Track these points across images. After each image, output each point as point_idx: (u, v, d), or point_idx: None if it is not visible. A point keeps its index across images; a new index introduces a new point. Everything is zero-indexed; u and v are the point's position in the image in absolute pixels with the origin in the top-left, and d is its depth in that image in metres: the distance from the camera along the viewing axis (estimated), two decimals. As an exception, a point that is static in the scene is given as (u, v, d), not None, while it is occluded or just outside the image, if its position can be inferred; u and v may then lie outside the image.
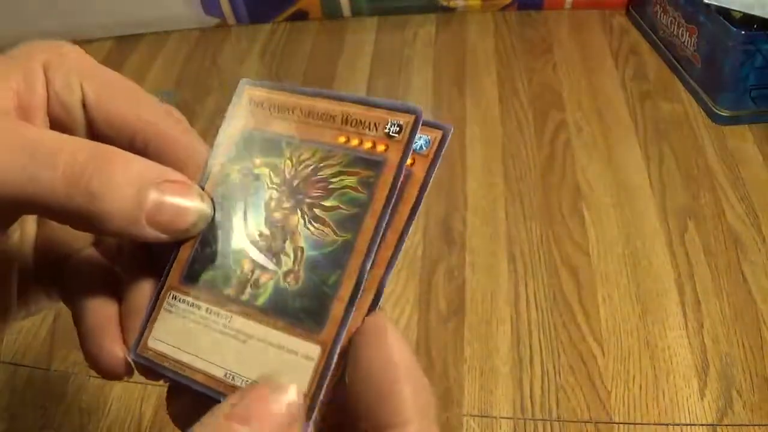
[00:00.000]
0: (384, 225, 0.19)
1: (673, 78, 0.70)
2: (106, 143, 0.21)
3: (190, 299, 0.21)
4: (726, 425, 0.43)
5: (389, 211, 0.19)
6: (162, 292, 0.21)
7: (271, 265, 0.20)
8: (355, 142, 0.20)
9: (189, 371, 0.20)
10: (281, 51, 0.79)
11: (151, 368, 0.20)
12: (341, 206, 0.20)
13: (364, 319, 0.19)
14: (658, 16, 0.72)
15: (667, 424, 0.43)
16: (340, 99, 0.21)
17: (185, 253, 0.21)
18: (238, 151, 0.22)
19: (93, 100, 0.21)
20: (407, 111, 0.20)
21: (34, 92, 0.20)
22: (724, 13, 0.61)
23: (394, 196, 0.20)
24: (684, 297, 0.50)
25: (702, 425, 0.43)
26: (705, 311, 0.49)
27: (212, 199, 0.21)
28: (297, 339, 0.19)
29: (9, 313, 0.23)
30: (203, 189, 0.21)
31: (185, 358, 0.20)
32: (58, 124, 0.21)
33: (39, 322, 0.51)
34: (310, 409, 0.18)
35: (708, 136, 0.63)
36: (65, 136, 0.18)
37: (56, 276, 0.23)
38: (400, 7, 0.82)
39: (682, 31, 0.68)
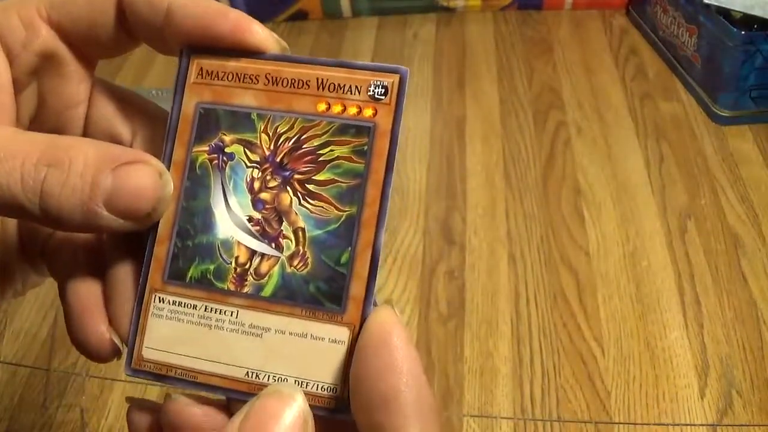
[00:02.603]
0: (389, 194, 0.18)
1: (673, 78, 0.70)
2: (98, 47, 0.21)
3: (181, 299, 0.19)
4: (726, 425, 0.43)
5: (392, 179, 0.18)
6: (145, 296, 0.19)
7: (271, 251, 0.19)
8: (337, 108, 0.19)
9: (202, 377, 0.19)
10: (281, 51, 0.79)
11: (154, 380, 0.19)
12: (338, 179, 0.19)
13: (364, 315, 0.18)
14: (658, 16, 0.72)
15: (667, 425, 0.43)
16: (311, 63, 0.19)
17: (162, 248, 0.19)
18: (199, 130, 0.20)
19: (61, 19, 0.20)
20: (390, 71, 0.19)
21: None
22: (724, 13, 0.61)
23: (394, 164, 0.18)
24: (684, 297, 0.50)
25: (702, 425, 0.43)
26: (705, 311, 0.49)
27: (183, 185, 0.19)
28: (321, 324, 0.18)
29: None
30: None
31: (193, 364, 0.19)
32: (39, 71, 0.20)
33: (39, 322, 0.51)
34: (346, 396, 0.18)
35: (708, 136, 0.63)
36: (20, 134, 0.18)
37: (43, 252, 0.22)
38: (400, 7, 0.82)
39: (682, 31, 0.68)
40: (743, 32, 0.59)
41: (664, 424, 0.43)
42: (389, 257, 0.54)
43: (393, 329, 0.17)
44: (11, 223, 0.23)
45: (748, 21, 0.60)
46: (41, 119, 0.21)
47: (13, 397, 0.47)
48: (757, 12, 0.59)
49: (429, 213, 0.58)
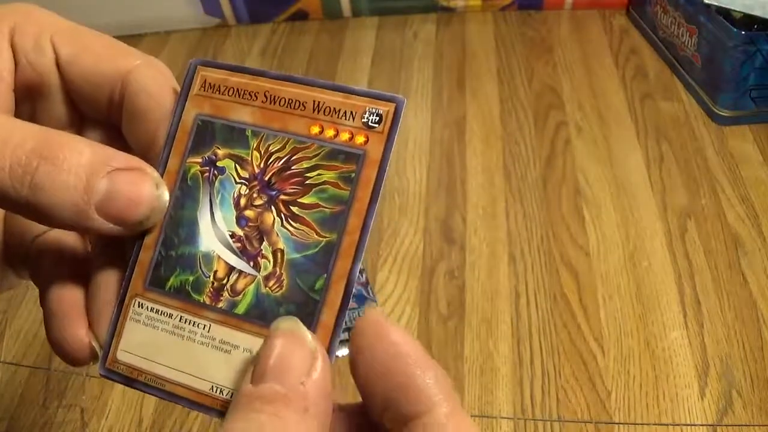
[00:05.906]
0: (371, 225, 0.18)
1: (673, 78, 0.70)
2: (86, 103, 0.21)
3: (159, 307, 0.19)
4: (726, 425, 0.43)
5: (375, 209, 0.18)
6: (126, 300, 0.20)
7: (248, 269, 0.19)
8: (330, 132, 0.19)
9: (169, 385, 0.19)
10: (281, 51, 0.79)
11: (124, 383, 0.19)
12: (322, 204, 0.19)
13: (332, 344, 0.18)
14: (658, 16, 0.72)
15: (667, 425, 0.43)
16: (310, 84, 0.19)
17: (147, 255, 0.20)
18: (195, 141, 0.20)
19: (67, 58, 0.20)
20: (387, 99, 0.19)
21: None
22: (724, 13, 0.61)
23: (379, 194, 0.18)
24: (684, 297, 0.50)
25: (702, 425, 0.43)
26: (705, 311, 0.49)
27: (173, 195, 0.20)
28: None
29: None
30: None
31: (162, 372, 0.19)
32: (30, 89, 0.20)
33: (39, 322, 0.51)
34: None
35: (708, 136, 0.63)
36: (15, 122, 0.18)
37: (25, 255, 0.22)
38: (400, 7, 0.82)
39: (682, 31, 0.68)
40: (743, 32, 0.59)
41: (664, 424, 0.43)
42: (389, 257, 0.54)
43: (387, 325, 0.17)
44: None
45: (748, 21, 0.60)
46: None
47: (13, 397, 0.47)
48: (757, 12, 0.59)
49: (429, 213, 0.58)
